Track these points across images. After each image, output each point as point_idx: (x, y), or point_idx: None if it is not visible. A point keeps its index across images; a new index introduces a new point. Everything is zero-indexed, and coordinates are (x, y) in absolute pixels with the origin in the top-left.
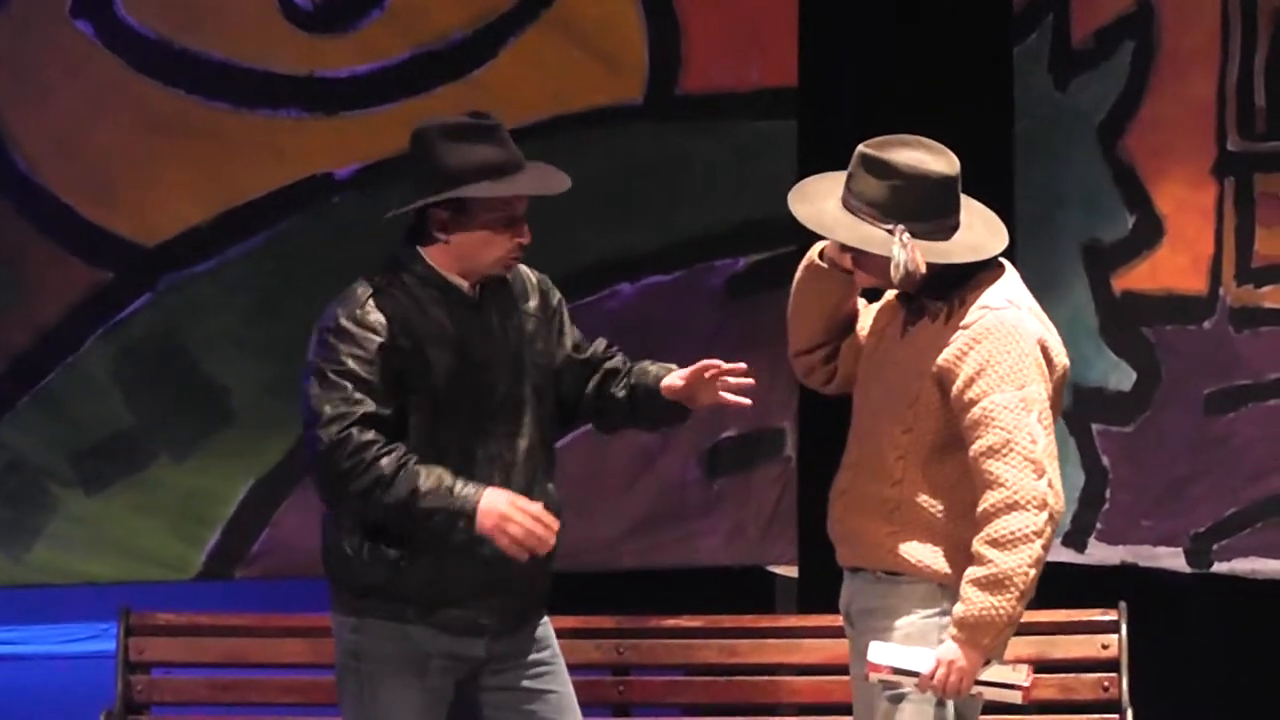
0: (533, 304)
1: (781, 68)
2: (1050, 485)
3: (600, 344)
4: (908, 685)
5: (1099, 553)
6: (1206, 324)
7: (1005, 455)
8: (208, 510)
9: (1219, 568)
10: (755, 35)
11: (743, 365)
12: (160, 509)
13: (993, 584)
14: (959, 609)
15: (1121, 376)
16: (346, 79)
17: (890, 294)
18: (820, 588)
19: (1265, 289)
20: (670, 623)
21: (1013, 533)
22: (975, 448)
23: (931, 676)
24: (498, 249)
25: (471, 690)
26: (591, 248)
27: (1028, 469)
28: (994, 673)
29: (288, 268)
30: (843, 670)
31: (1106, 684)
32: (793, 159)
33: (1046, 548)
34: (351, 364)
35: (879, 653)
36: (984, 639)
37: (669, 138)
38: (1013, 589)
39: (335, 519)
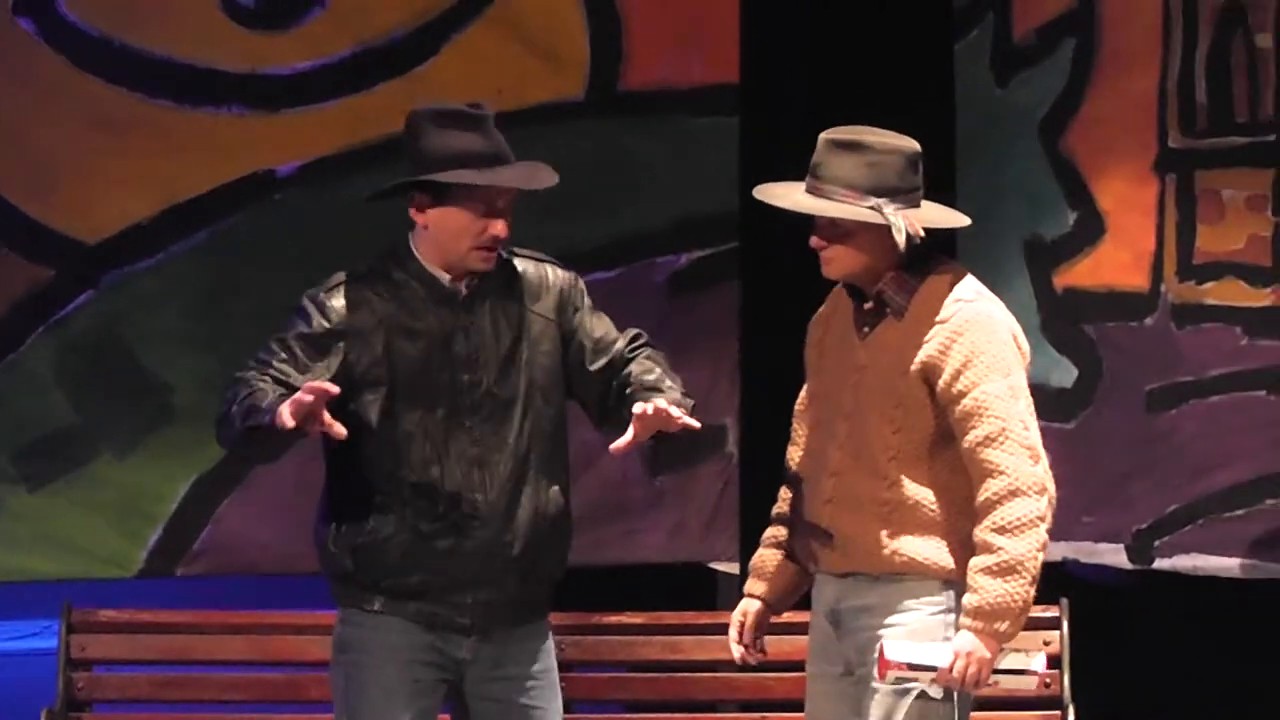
0: (543, 306)
1: (723, 64)
2: (1046, 470)
3: (624, 339)
4: (924, 680)
5: None
6: (1148, 320)
7: (1002, 444)
8: (150, 507)
9: (1161, 564)
10: (697, 31)
11: (690, 421)
12: (102, 506)
13: (1004, 570)
14: (972, 599)
15: (1063, 373)
16: (289, 76)
17: (822, 313)
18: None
19: (1206, 285)
20: (612, 619)
21: (1018, 519)
22: (970, 438)
23: (950, 670)
24: (469, 238)
25: (464, 697)
26: (536, 241)
27: (1024, 455)
28: (1010, 661)
29: (230, 264)
30: (784, 667)
31: (1048, 680)
32: (734, 155)
33: (1050, 531)
34: (291, 338)
35: (894, 650)
36: (1001, 626)
37: (611, 134)
38: (1025, 574)
39: (320, 515)
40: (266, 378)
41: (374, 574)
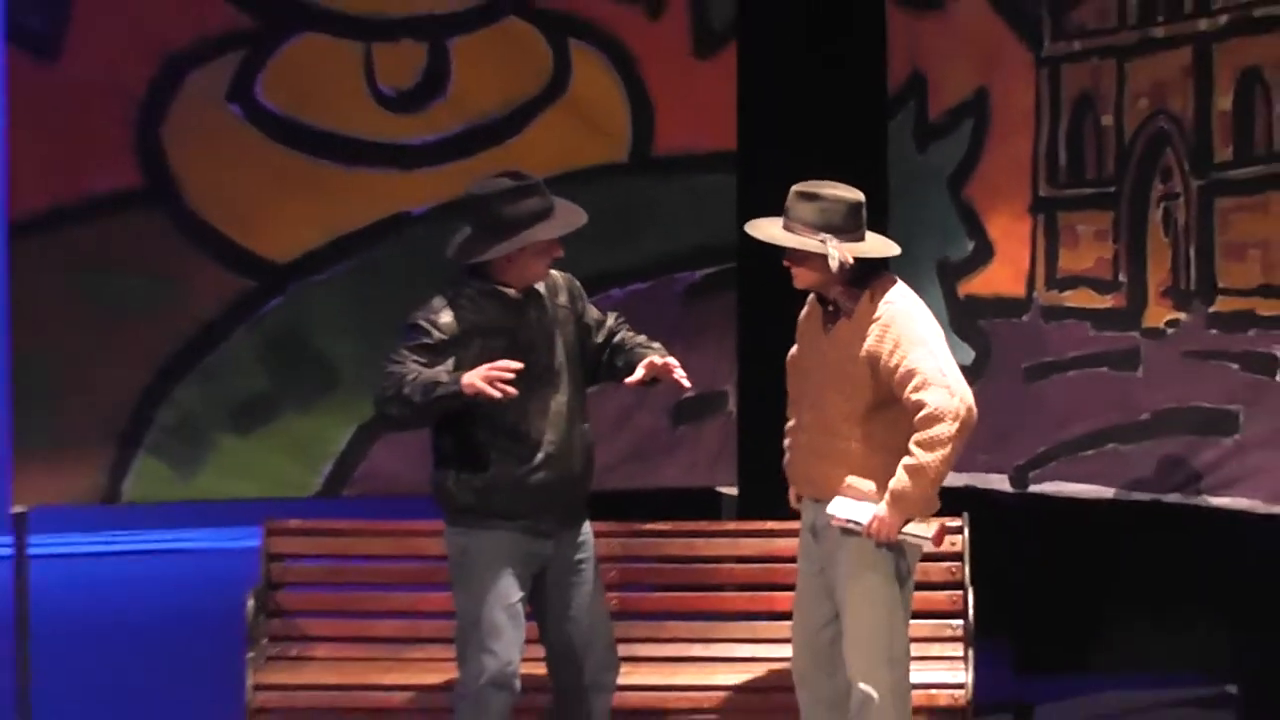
0: (562, 299)
1: (724, 136)
2: (961, 400)
3: (611, 318)
4: (857, 530)
5: (949, 478)
6: (1024, 318)
7: (923, 388)
8: (322, 448)
9: (1033, 489)
10: (705, 114)
11: (683, 378)
12: (289, 447)
13: (914, 471)
14: (892, 483)
15: (964, 355)
16: (418, 145)
17: (805, 311)
18: (753, 502)
19: (1066, 293)
20: (646, 526)
21: (932, 438)
22: (906, 391)
23: (869, 526)
24: (541, 269)
25: (545, 578)
26: (592, 263)
27: (942, 392)
28: (911, 528)
29: (377, 278)
30: (771, 559)
31: (954, 570)
32: (733, 201)
33: (957, 449)
34: (416, 347)
35: (840, 507)
36: (904, 505)
37: (644, 186)
38: (927, 474)
39: (437, 464)
40: (411, 366)
41: (488, 504)
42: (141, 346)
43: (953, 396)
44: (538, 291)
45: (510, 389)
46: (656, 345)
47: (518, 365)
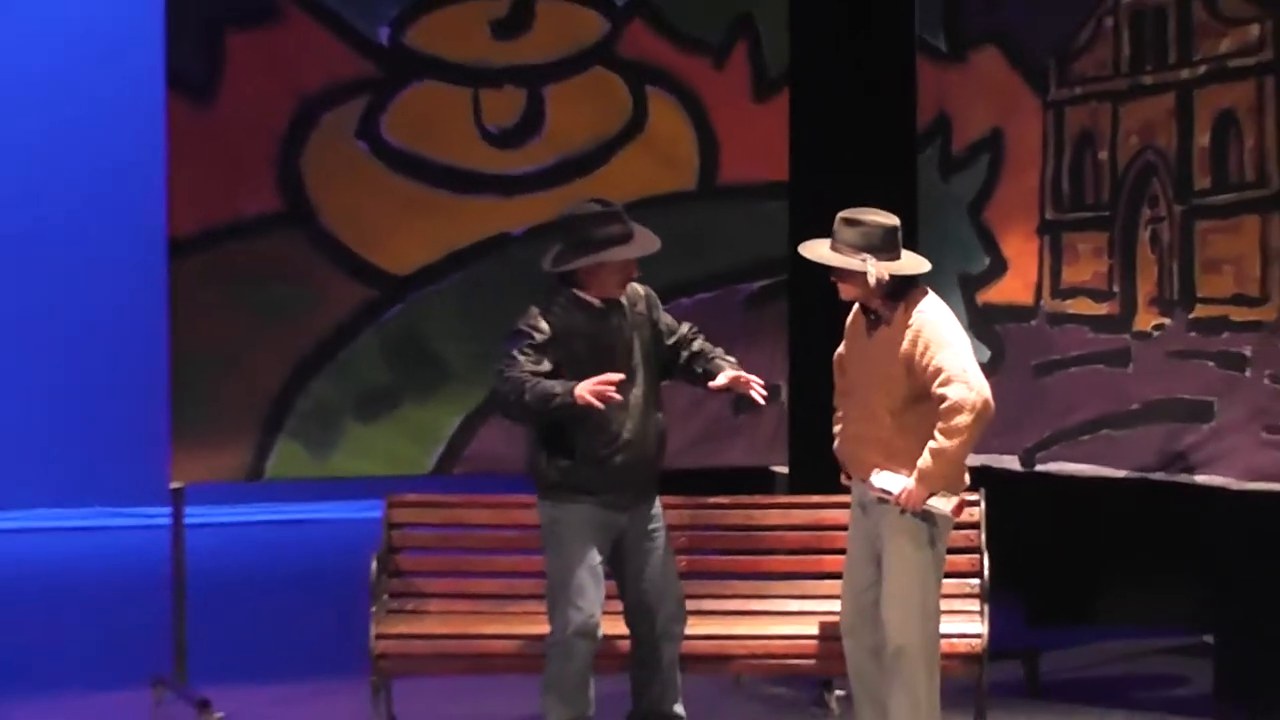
0: (640, 308)
1: (777, 168)
2: (979, 394)
3: (684, 327)
4: (890, 499)
5: (969, 459)
6: (1033, 323)
7: (947, 383)
8: (435, 432)
9: (1040, 468)
10: (762, 150)
11: (759, 395)
12: (406, 432)
13: (937, 454)
14: (919, 462)
15: (982, 354)
16: (518, 175)
17: (851, 317)
18: (801, 479)
19: (1068, 301)
20: (710, 499)
21: (953, 426)
22: (934, 386)
23: (899, 496)
24: (618, 284)
25: (622, 544)
26: (665, 276)
27: (963, 387)
28: (935, 501)
29: (483, 289)
30: (816, 528)
31: (971, 537)
32: (785, 224)
33: (975, 435)
34: (521, 349)
35: (880, 479)
36: (929, 481)
37: (711, 211)
38: (947, 458)
39: (531, 446)
40: (526, 373)
41: (574, 482)
42: (282, 346)
43: (971, 391)
44: (619, 301)
45: (616, 396)
46: (731, 359)
47: (619, 376)
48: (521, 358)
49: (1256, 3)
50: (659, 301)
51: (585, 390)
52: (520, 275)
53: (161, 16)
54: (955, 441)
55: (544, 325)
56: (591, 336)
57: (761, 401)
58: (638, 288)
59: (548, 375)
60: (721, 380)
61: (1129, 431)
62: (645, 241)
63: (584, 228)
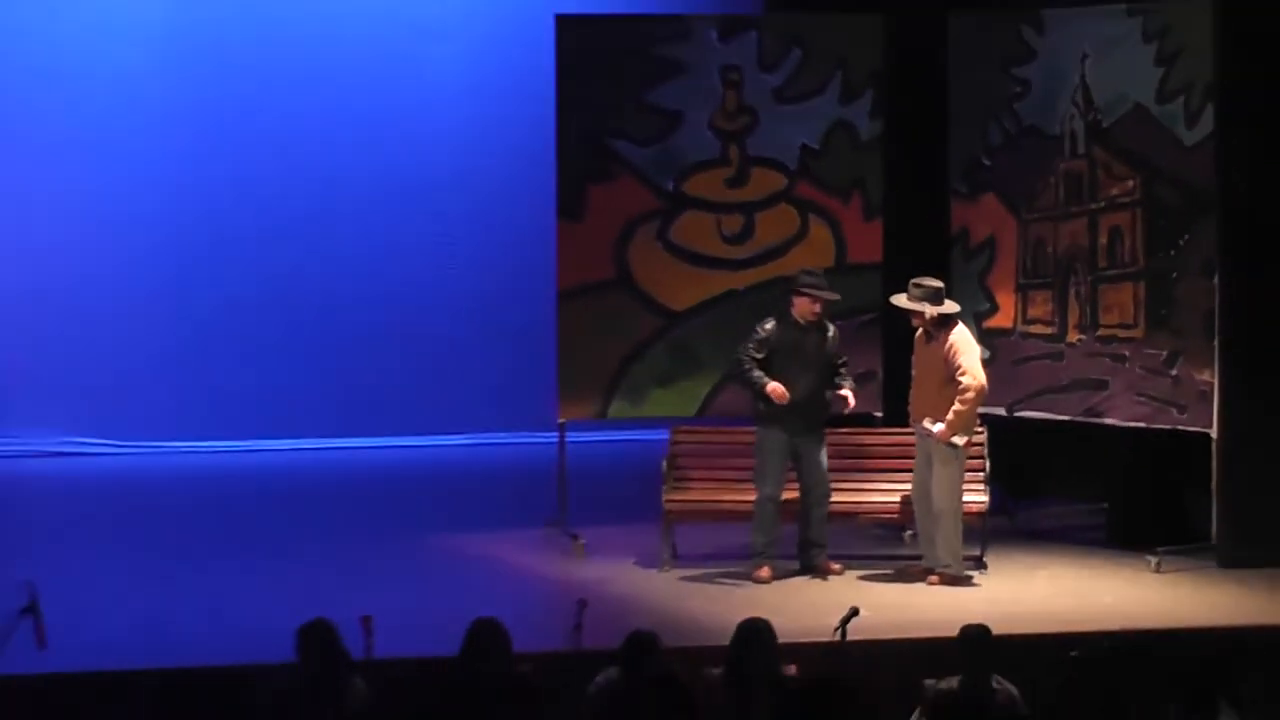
0: (828, 334)
1: (875, 254)
2: (980, 382)
3: (841, 358)
4: (933, 436)
5: (979, 410)
6: (1011, 338)
7: (964, 374)
8: (696, 393)
9: (1016, 414)
10: (868, 245)
11: (846, 406)
12: (682, 393)
13: (956, 413)
14: (948, 416)
15: (984, 355)
16: (740, 259)
17: (917, 335)
18: (890, 418)
19: (1031, 326)
20: (843, 429)
21: (965, 399)
22: (957, 375)
23: (938, 434)
24: (812, 313)
25: (796, 454)
26: (827, 311)
27: (971, 378)
28: (955, 438)
29: (722, 321)
30: (899, 445)
31: (980, 451)
32: (878, 284)
33: (977, 405)
34: (752, 344)
35: (928, 424)
36: (951, 428)
37: (842, 278)
38: (962, 417)
39: (753, 399)
40: (749, 360)
41: (771, 418)
42: (616, 348)
43: (976, 380)
44: (814, 327)
45: (785, 397)
46: (849, 380)
47: (785, 392)
48: (750, 347)
49: (1131, 167)
50: (839, 338)
51: (771, 386)
52: (743, 313)
53: (553, 173)
54: (966, 407)
55: (767, 330)
56: (789, 345)
57: (846, 410)
58: (829, 325)
59: (762, 362)
60: (835, 391)
61: (1063, 396)
62: (826, 292)
63: (798, 278)
